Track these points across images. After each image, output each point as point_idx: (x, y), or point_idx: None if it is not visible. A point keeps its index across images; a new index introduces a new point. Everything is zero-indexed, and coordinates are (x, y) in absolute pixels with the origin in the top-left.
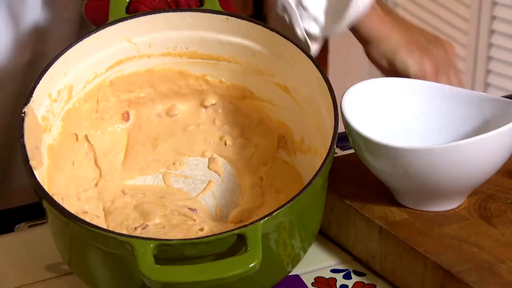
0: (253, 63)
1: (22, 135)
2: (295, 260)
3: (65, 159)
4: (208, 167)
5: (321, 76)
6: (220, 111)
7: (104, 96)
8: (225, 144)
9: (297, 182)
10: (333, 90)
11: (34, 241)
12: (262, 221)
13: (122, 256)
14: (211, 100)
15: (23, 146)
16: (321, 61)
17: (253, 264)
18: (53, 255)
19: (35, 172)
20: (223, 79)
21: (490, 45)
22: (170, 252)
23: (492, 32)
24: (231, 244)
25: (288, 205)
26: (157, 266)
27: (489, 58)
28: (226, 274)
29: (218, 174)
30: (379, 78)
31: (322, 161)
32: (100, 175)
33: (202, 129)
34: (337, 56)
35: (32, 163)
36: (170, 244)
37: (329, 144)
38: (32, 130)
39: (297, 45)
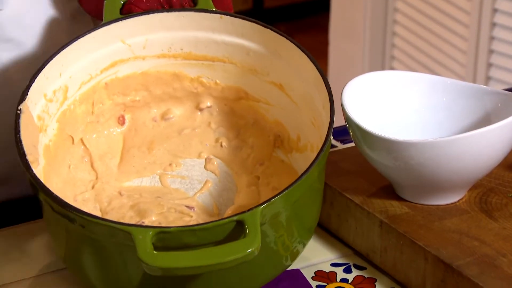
0: (248, 63)
1: (18, 131)
2: (294, 255)
3: (62, 161)
4: (204, 167)
5: (316, 69)
6: (215, 114)
7: (100, 99)
8: (221, 145)
9: (294, 180)
10: (328, 83)
11: (26, 237)
12: (260, 207)
13: (119, 249)
14: (207, 102)
15: (20, 141)
16: (321, 56)
17: (252, 249)
18: (44, 251)
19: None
20: (218, 81)
21: (492, 38)
22: (168, 240)
23: (493, 25)
24: (230, 231)
25: (286, 191)
26: (156, 252)
27: (491, 51)
28: (225, 258)
29: (215, 174)
30: (379, 71)
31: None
32: (97, 178)
33: (198, 132)
34: (337, 50)
35: (29, 157)
36: (168, 231)
37: (325, 136)
38: (27, 126)
39: (291, 41)
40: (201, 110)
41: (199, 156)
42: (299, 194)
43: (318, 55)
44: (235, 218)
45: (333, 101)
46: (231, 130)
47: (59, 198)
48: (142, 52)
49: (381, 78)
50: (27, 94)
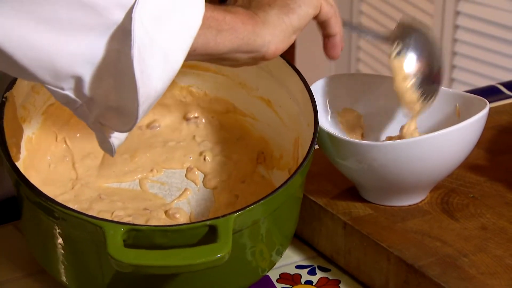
0: (238, 76)
1: (2, 117)
2: (270, 264)
3: (42, 157)
4: (185, 176)
5: (304, 87)
6: (202, 126)
7: None
8: (204, 159)
9: None
10: (315, 101)
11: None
12: (235, 215)
13: (92, 246)
14: (194, 113)
15: (1, 127)
16: (288, 58)
17: (221, 254)
18: (21, 253)
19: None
20: (207, 91)
21: (455, 40)
22: (140, 239)
23: (456, 27)
24: (202, 236)
25: (263, 201)
26: (126, 248)
27: (454, 54)
28: (194, 261)
29: (195, 184)
30: (341, 73)
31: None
32: (77, 178)
33: (182, 145)
34: (304, 52)
35: (11, 148)
36: (140, 230)
37: (306, 150)
38: (10, 114)
39: (282, 57)
40: (188, 120)
41: (181, 167)
42: (278, 203)
43: (286, 55)
44: (208, 222)
45: (317, 119)
46: (216, 145)
47: (36, 187)
48: None
49: (343, 81)
50: (15, 83)
